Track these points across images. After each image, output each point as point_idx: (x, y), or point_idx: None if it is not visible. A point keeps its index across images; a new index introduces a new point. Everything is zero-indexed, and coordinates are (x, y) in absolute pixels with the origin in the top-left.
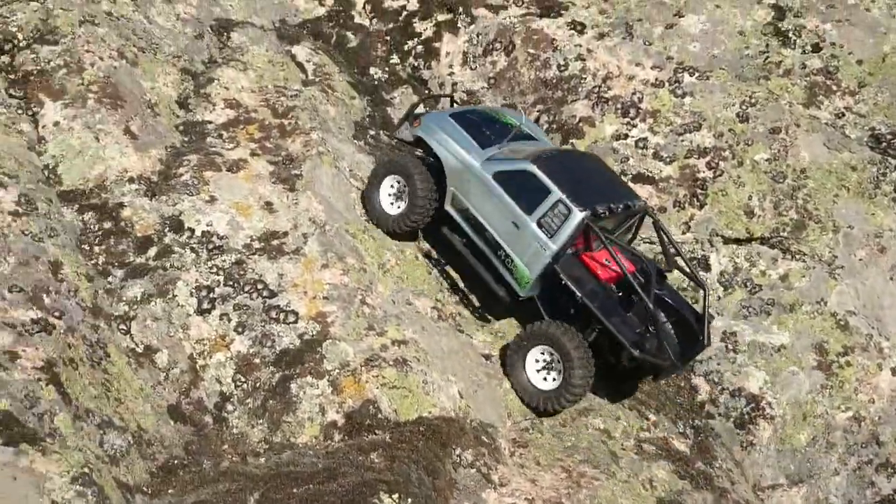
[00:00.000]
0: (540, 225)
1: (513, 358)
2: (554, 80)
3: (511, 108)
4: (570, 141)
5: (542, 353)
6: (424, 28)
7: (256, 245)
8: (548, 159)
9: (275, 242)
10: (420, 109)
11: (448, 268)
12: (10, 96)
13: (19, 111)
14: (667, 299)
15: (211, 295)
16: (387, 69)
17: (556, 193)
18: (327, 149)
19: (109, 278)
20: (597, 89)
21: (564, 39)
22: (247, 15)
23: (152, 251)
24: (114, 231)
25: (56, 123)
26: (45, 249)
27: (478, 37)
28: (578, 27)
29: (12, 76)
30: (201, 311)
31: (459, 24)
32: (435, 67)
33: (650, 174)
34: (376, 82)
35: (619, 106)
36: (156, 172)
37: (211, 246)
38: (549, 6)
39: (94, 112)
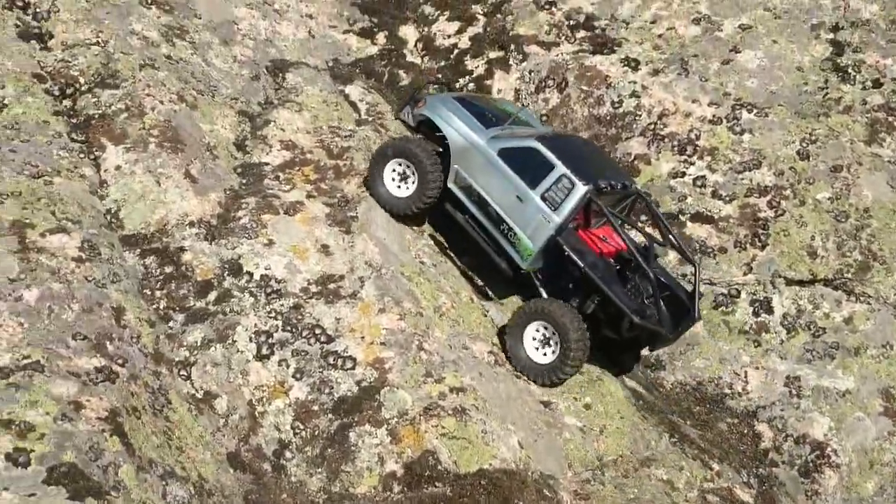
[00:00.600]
0: (544, 198)
1: (511, 336)
2: (608, 117)
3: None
4: None
5: (538, 330)
6: (476, 66)
7: (313, 289)
8: (551, 138)
9: (331, 286)
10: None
11: (449, 251)
12: (73, 140)
13: (81, 155)
14: (660, 277)
15: (270, 340)
16: None
17: (561, 168)
18: None
19: (170, 323)
20: (652, 126)
21: (618, 76)
22: (301, 55)
23: (212, 295)
24: (175, 275)
25: (118, 167)
26: (108, 295)
27: (530, 74)
28: (632, 63)
29: (74, 120)
30: (260, 357)
31: (511, 62)
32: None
33: (709, 213)
34: None
35: (675, 143)
36: (215, 216)
37: (269, 290)
38: (602, 43)
39: (155, 156)
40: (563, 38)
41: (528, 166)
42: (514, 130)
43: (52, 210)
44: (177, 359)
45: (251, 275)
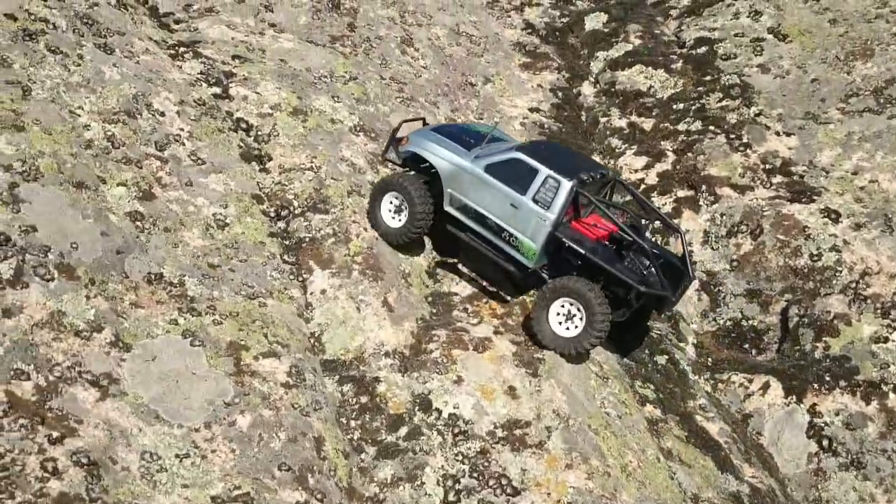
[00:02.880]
0: (536, 201)
1: (537, 316)
2: (805, 270)
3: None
4: (824, 339)
5: (563, 306)
6: (663, 203)
7: (500, 433)
8: (529, 147)
9: (517, 432)
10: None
11: (460, 266)
12: (285, 262)
13: (291, 277)
14: (652, 248)
15: (457, 486)
16: None
17: (545, 171)
18: None
19: (362, 455)
20: (854, 285)
21: (817, 227)
22: None
23: (403, 430)
24: (369, 406)
25: (323, 291)
26: (311, 424)
27: (721, 217)
28: (833, 215)
29: (287, 242)
30: (447, 503)
31: (701, 202)
32: (672, 244)
33: None
34: None
35: (879, 305)
36: (408, 346)
37: (457, 430)
38: (800, 190)
39: (357, 283)
40: (759, 182)
41: (515, 176)
42: (492, 147)
43: (265, 332)
44: (367, 494)
45: (440, 412)
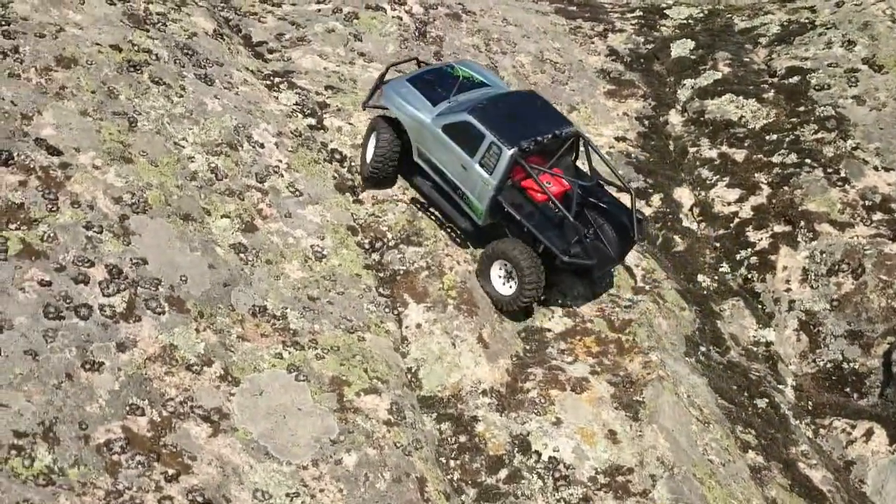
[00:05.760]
0: (482, 165)
1: (482, 273)
2: None
3: (469, 61)
4: None
5: (500, 268)
6: (759, 238)
7: (602, 479)
8: (483, 108)
9: (620, 479)
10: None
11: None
12: (380, 294)
13: (387, 310)
14: (607, 207)
15: None
16: (716, 278)
17: (490, 137)
18: (667, 372)
19: (463, 496)
20: None
21: None
22: None
23: (503, 473)
24: (468, 446)
25: (418, 325)
26: (413, 464)
27: (821, 254)
28: None
29: (381, 274)
30: None
31: (799, 238)
32: (770, 281)
33: None
34: (705, 292)
35: None
36: (504, 384)
37: (557, 475)
38: None
39: (452, 318)
40: (858, 219)
41: (466, 138)
42: (459, 101)
43: (365, 368)
44: None
45: (539, 455)
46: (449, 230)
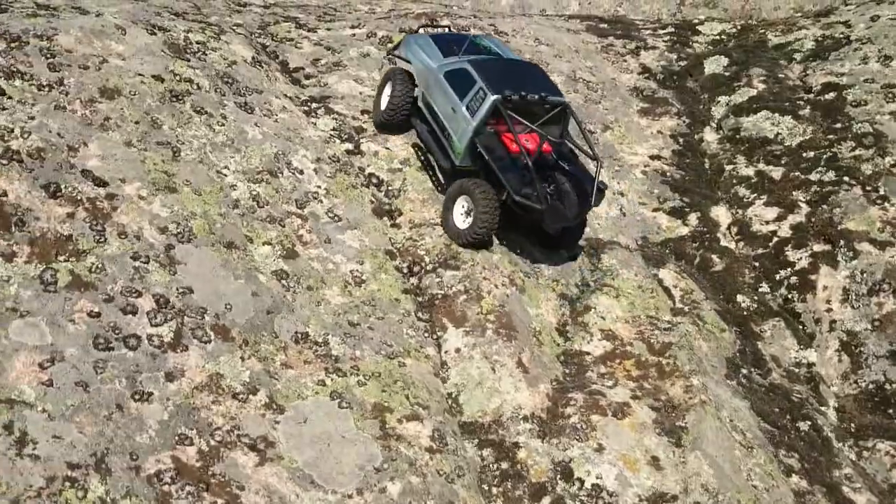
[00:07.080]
0: (468, 108)
1: (446, 207)
2: None
3: (495, 38)
4: None
5: (463, 205)
6: (798, 257)
7: None
8: (484, 62)
9: None
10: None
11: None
12: (419, 319)
13: (426, 334)
14: (574, 172)
15: None
16: (755, 298)
17: (479, 83)
18: (709, 397)
19: None
20: None
21: None
22: (613, 234)
23: (546, 501)
24: (510, 473)
25: (458, 350)
26: (457, 493)
27: (862, 274)
28: None
29: (420, 299)
30: None
31: (839, 258)
32: (810, 301)
33: None
34: (745, 313)
35: None
36: (544, 409)
37: (601, 502)
38: None
39: (491, 342)
40: None
41: (461, 83)
42: (467, 57)
43: (407, 394)
44: None
45: (582, 482)
46: (430, 174)
